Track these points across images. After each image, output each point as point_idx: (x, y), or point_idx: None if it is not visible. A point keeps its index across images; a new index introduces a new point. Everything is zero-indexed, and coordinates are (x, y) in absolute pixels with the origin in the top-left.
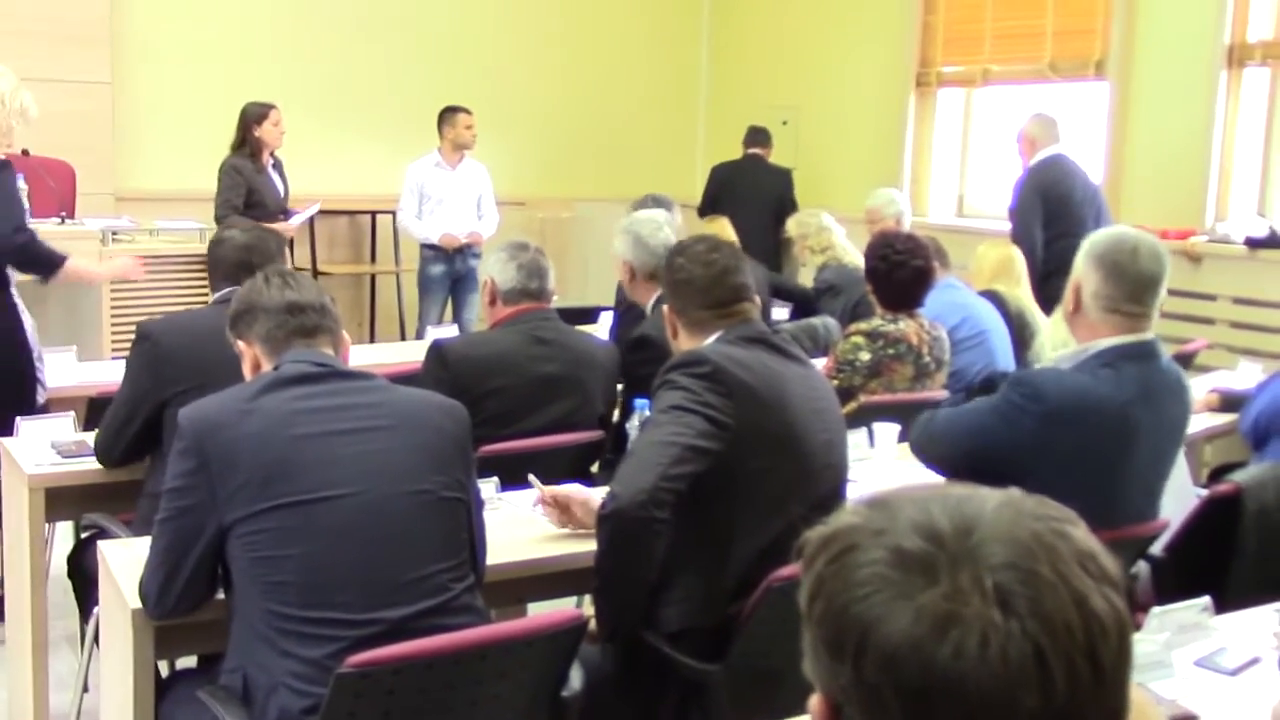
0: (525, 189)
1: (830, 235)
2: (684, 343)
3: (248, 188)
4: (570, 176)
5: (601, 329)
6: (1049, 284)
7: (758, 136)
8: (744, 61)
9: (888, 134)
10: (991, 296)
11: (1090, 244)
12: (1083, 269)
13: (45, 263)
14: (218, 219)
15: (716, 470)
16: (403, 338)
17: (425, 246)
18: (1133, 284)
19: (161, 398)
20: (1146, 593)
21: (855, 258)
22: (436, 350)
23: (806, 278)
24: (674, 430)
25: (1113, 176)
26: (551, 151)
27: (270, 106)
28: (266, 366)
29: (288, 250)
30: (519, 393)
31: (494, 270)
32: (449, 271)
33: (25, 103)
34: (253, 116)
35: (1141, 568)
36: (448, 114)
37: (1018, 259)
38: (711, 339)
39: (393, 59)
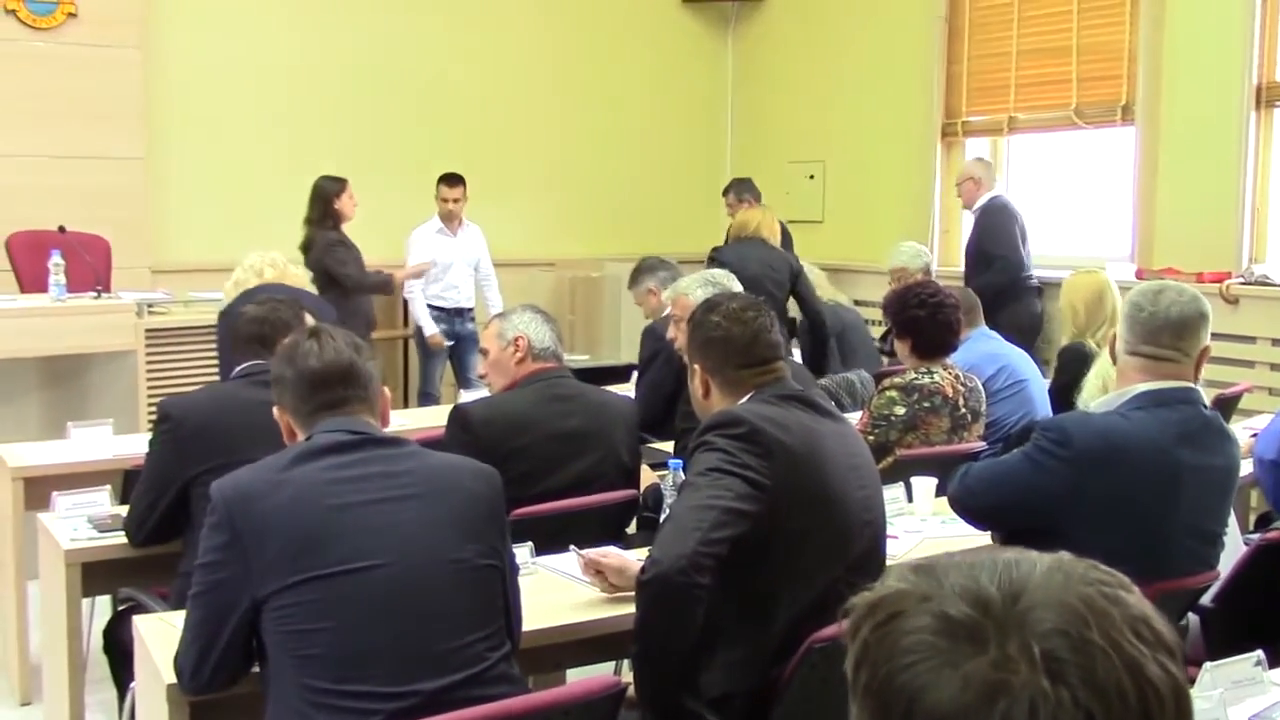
0: (554, 250)
1: (810, 275)
2: (717, 402)
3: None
4: (598, 236)
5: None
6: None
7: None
8: (769, 117)
9: (915, 185)
10: (1075, 355)
11: (1129, 297)
12: (1120, 324)
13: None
14: (351, 290)
15: (755, 532)
16: (407, 402)
17: (428, 307)
18: (1147, 324)
19: (185, 478)
20: (1197, 645)
21: (838, 295)
22: (458, 414)
23: None
24: (712, 493)
25: (1143, 221)
26: (579, 212)
27: (344, 180)
28: (300, 435)
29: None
30: (543, 450)
31: (528, 329)
32: (449, 332)
33: None
34: (331, 191)
35: (1191, 619)
36: (437, 183)
37: (1114, 287)
38: (745, 399)
39: (419, 123)
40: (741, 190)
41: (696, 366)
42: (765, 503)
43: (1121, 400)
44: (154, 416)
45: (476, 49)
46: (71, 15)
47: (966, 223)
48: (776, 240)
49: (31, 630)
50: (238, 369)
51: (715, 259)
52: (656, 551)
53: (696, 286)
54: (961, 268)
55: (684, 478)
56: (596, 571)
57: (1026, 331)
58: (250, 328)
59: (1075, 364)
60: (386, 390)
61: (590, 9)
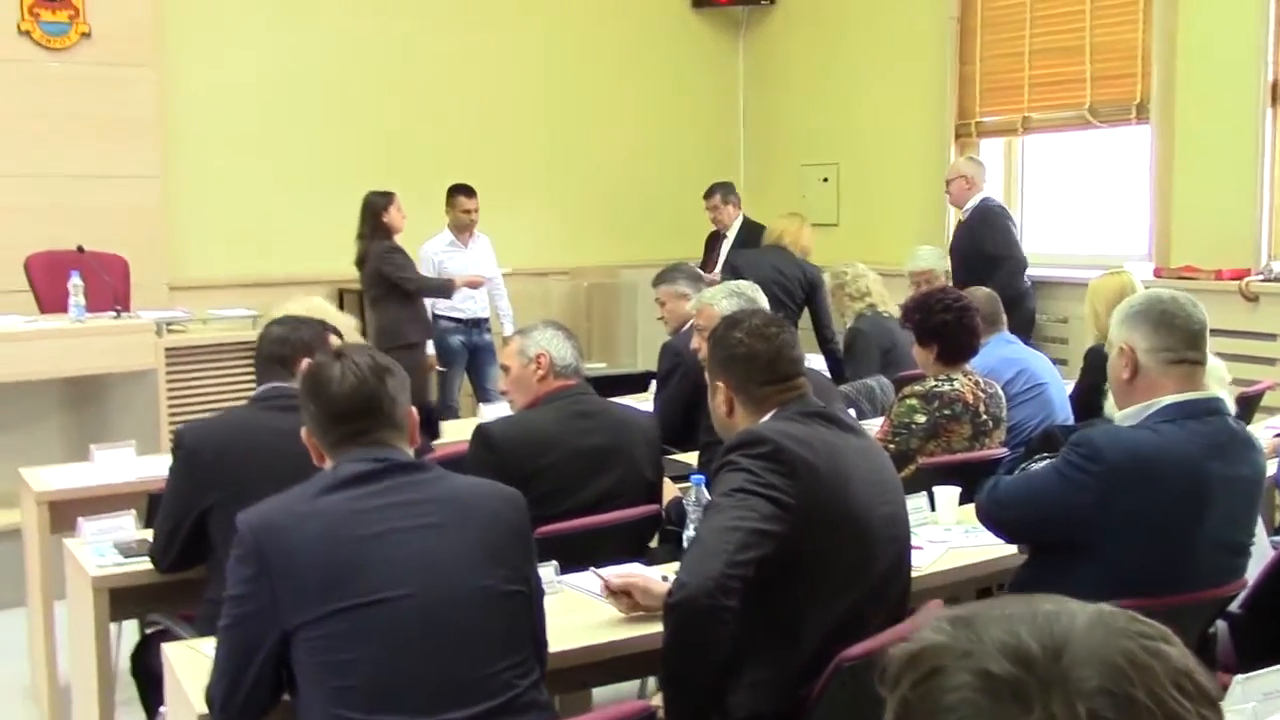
0: (569, 258)
1: (867, 282)
2: (741, 420)
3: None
4: (613, 243)
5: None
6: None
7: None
8: (781, 120)
9: (930, 187)
10: (1099, 356)
11: (1131, 307)
12: (1125, 332)
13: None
14: (414, 293)
15: (781, 551)
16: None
17: (443, 318)
18: (1185, 329)
19: (202, 506)
20: (1227, 653)
21: (891, 306)
22: (481, 434)
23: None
24: (738, 514)
25: (1160, 220)
26: (593, 219)
27: (392, 194)
28: (327, 461)
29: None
30: (567, 468)
31: (549, 345)
32: (467, 343)
33: None
34: (380, 205)
35: (1220, 627)
36: (450, 194)
37: (1137, 288)
38: (768, 416)
39: (431, 135)
40: (727, 192)
41: (720, 384)
42: (790, 522)
43: (1148, 413)
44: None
45: (486, 59)
46: (85, 35)
47: None
48: (802, 251)
49: (59, 650)
50: (258, 390)
51: (730, 263)
52: (683, 574)
53: (722, 297)
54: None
55: (708, 496)
56: (620, 593)
57: (1023, 332)
58: (271, 348)
59: (1101, 366)
60: (414, 411)
61: (601, 16)
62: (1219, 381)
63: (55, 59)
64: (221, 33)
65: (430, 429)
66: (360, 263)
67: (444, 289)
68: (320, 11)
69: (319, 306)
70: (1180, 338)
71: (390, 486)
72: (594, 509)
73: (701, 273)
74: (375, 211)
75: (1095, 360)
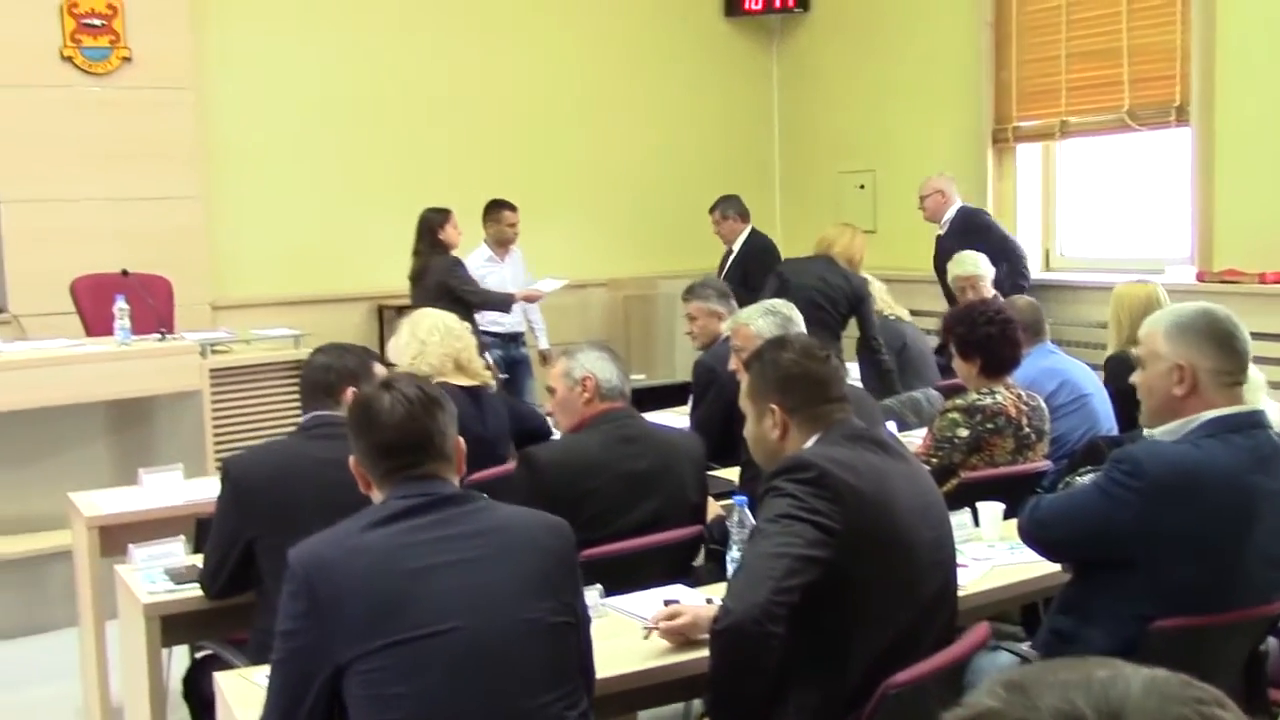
0: (607, 269)
1: (870, 287)
2: (793, 443)
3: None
4: (651, 254)
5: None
6: None
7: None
8: (816, 128)
9: (967, 192)
10: (1121, 363)
11: (1186, 324)
12: (1184, 351)
13: (503, 305)
14: (476, 306)
15: (827, 577)
16: None
17: (483, 333)
18: (1244, 353)
19: (248, 536)
20: (1277, 668)
21: (898, 310)
22: (528, 459)
23: None
24: (784, 540)
25: (1202, 223)
26: (631, 230)
27: (448, 211)
28: (375, 492)
29: None
30: (611, 492)
31: (594, 368)
32: (504, 358)
33: None
34: (436, 222)
35: (1271, 644)
36: (493, 209)
37: (1163, 299)
38: (813, 439)
39: (470, 150)
40: (727, 207)
41: (773, 405)
42: (836, 548)
43: (1188, 428)
44: (221, 459)
45: (521, 74)
46: (126, 60)
47: (1025, 228)
48: (849, 262)
49: (111, 670)
50: (304, 419)
51: (778, 272)
52: (729, 601)
53: (758, 316)
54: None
55: (751, 518)
56: (665, 628)
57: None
58: (316, 375)
59: (1125, 373)
60: (461, 441)
61: (635, 27)
62: (1258, 388)
63: (97, 84)
64: (259, 54)
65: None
66: (416, 277)
67: (505, 303)
68: (355, 30)
69: (447, 325)
70: (1240, 361)
71: (438, 520)
72: (639, 532)
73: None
74: (432, 228)
75: (1116, 367)
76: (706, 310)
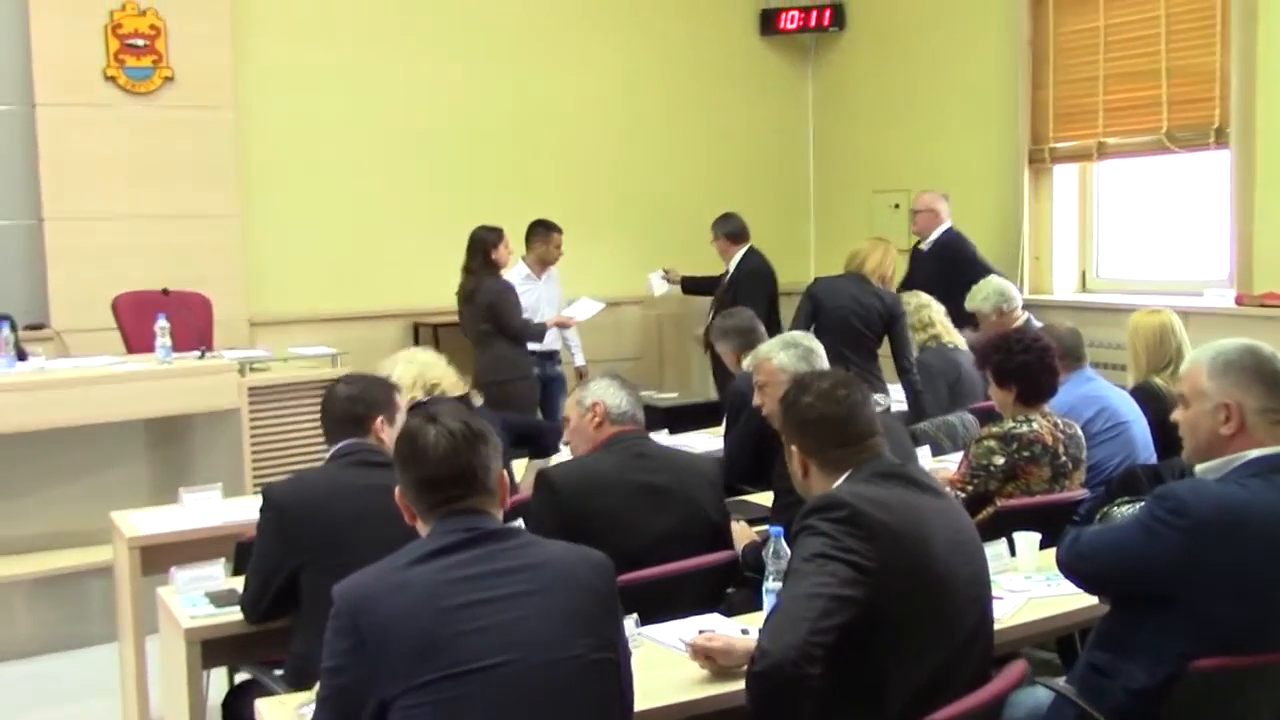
0: (641, 287)
1: (931, 312)
2: (817, 484)
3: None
4: (684, 272)
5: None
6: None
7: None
8: (851, 147)
9: (1004, 213)
10: (1146, 394)
11: (1232, 361)
12: (1230, 389)
13: (538, 336)
14: (512, 336)
15: (863, 616)
16: None
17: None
18: None
19: (293, 565)
20: None
21: (955, 338)
22: (543, 478)
23: None
24: (818, 580)
25: (1241, 245)
26: (664, 248)
27: (500, 230)
28: (420, 525)
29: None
30: (627, 505)
31: (604, 395)
32: (541, 375)
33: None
34: (489, 241)
35: None
36: (541, 230)
37: (1178, 327)
38: (843, 478)
39: (508, 169)
40: (717, 228)
41: (794, 448)
42: (871, 586)
43: (1231, 467)
44: (259, 477)
45: (557, 93)
46: (169, 79)
47: (1063, 248)
48: (881, 279)
49: (151, 686)
50: (336, 448)
51: (812, 293)
52: (766, 642)
53: (778, 350)
54: (1055, 295)
55: (786, 549)
56: (705, 655)
57: None
58: (344, 407)
59: (1149, 402)
60: (505, 475)
61: (670, 46)
62: None
63: (139, 103)
64: (298, 73)
65: (545, 449)
66: (468, 296)
67: (539, 334)
68: (393, 51)
69: (428, 361)
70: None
71: (481, 555)
72: (658, 548)
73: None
74: (484, 248)
75: (1140, 398)
76: (727, 350)
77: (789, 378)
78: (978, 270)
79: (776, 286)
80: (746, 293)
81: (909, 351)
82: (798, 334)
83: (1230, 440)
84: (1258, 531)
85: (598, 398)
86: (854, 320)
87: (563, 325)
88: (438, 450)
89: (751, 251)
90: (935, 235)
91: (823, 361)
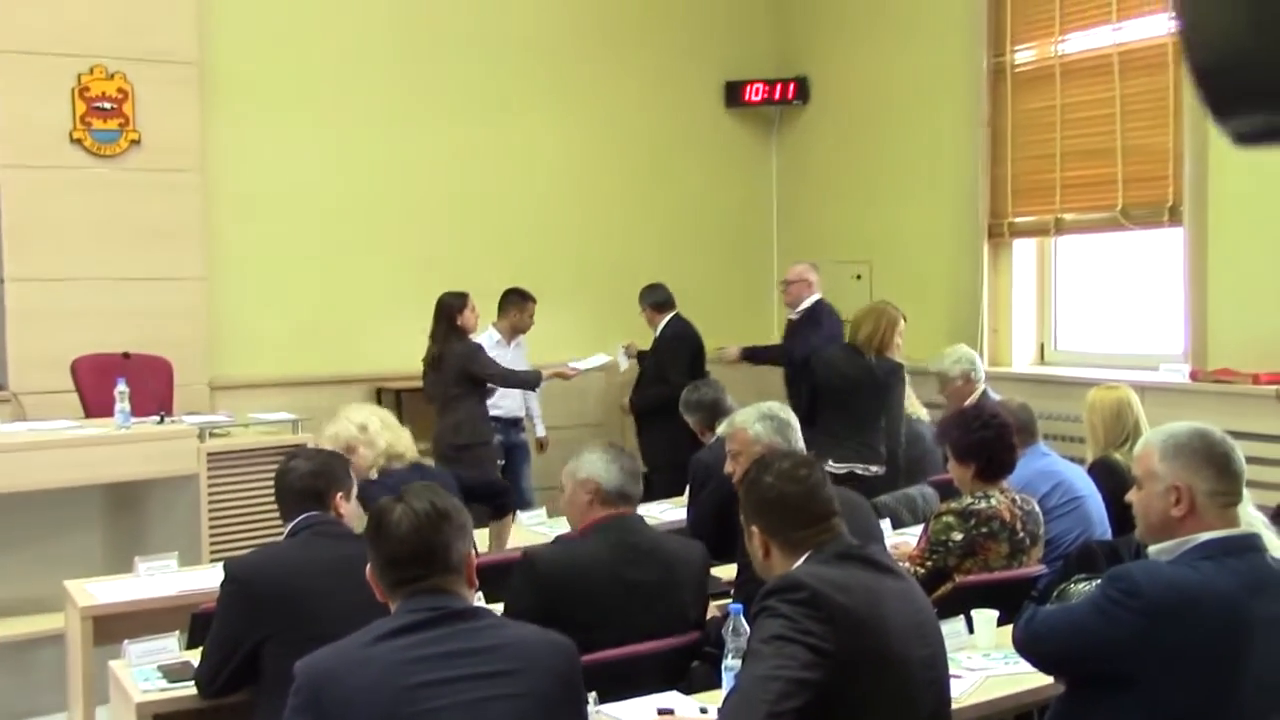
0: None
1: None
2: (778, 564)
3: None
4: (646, 340)
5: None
6: None
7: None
8: (814, 218)
9: (964, 285)
10: (1105, 469)
11: (1183, 444)
12: (1181, 472)
13: (530, 383)
14: (502, 383)
15: (820, 698)
16: None
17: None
18: (1239, 474)
19: (255, 639)
20: None
21: (918, 408)
22: (528, 560)
23: None
24: (776, 663)
25: (1195, 322)
26: (627, 316)
27: (465, 295)
28: (390, 603)
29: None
30: (612, 604)
31: (596, 470)
32: (505, 442)
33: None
34: (455, 306)
35: None
36: (516, 298)
37: (1135, 403)
38: (803, 559)
39: (473, 237)
40: (641, 298)
41: (755, 529)
42: (829, 669)
43: (1183, 549)
44: (216, 545)
45: (526, 160)
46: (135, 142)
47: (1021, 322)
48: (883, 348)
49: None
50: (297, 521)
51: (813, 365)
52: None
53: (754, 420)
54: (1013, 367)
55: (746, 626)
56: None
57: None
58: (305, 483)
59: (1107, 478)
60: (473, 553)
61: (637, 116)
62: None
63: (106, 165)
64: (265, 137)
65: (502, 508)
66: (434, 362)
67: (534, 381)
68: (359, 119)
69: (380, 414)
70: (1236, 483)
71: (444, 634)
72: (634, 641)
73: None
74: (450, 312)
75: (1099, 473)
76: (694, 421)
77: (763, 448)
78: (819, 339)
79: (701, 349)
80: (667, 357)
81: (893, 422)
82: (775, 405)
83: (1181, 522)
84: (1208, 613)
85: (591, 474)
86: (849, 392)
87: (564, 376)
88: (400, 529)
89: (675, 318)
90: (805, 304)
91: (797, 435)
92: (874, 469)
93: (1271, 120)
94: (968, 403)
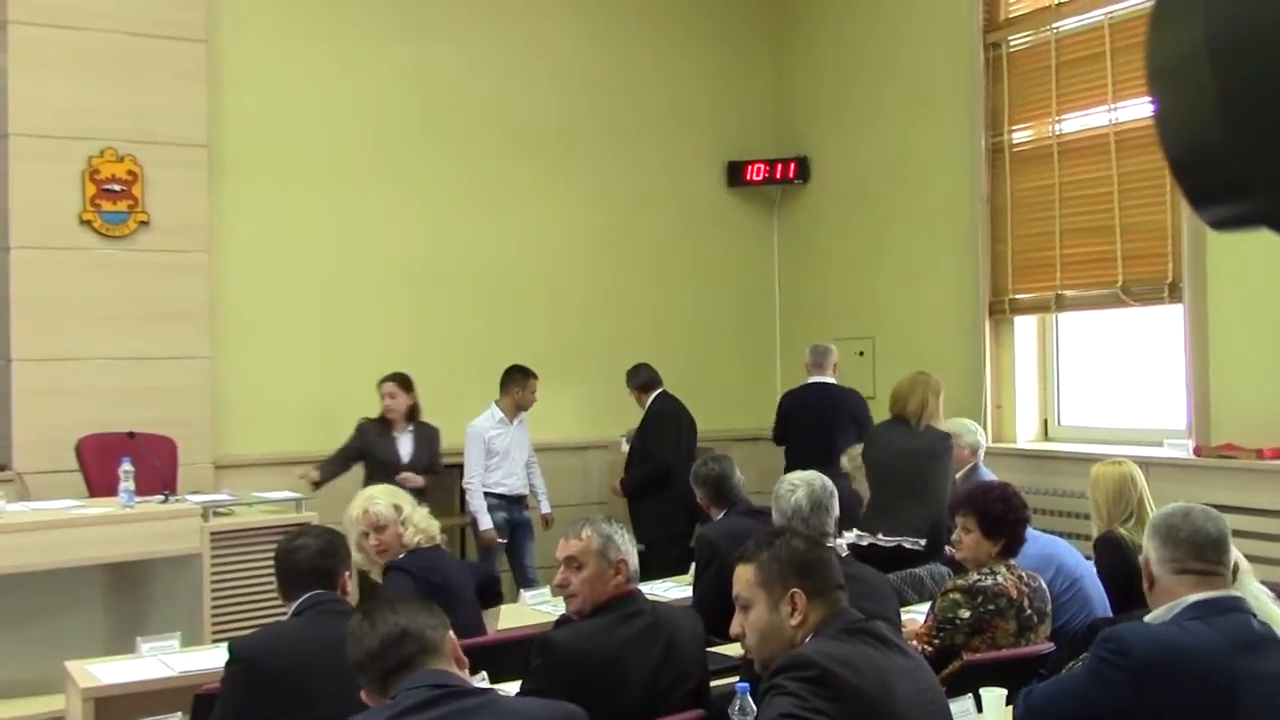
0: (609, 430)
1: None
2: (802, 627)
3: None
4: None
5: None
6: None
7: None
8: (816, 295)
9: (966, 361)
10: (1109, 545)
11: (1152, 524)
12: (1145, 544)
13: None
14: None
15: None
16: None
17: (488, 494)
18: (1189, 541)
19: (261, 718)
20: None
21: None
22: (548, 644)
23: None
24: None
25: (1198, 398)
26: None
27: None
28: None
29: None
30: (630, 692)
31: (629, 553)
32: (508, 520)
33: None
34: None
35: None
36: (519, 375)
37: (1138, 478)
38: (811, 635)
39: (477, 314)
40: (630, 381)
41: (795, 590)
42: None
43: (1173, 612)
44: (218, 625)
45: (530, 239)
46: (143, 224)
47: (1024, 398)
48: (928, 418)
49: None
50: (304, 599)
51: (865, 442)
52: None
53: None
54: (1017, 443)
55: (753, 706)
56: None
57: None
58: (314, 562)
59: (1112, 553)
60: (452, 634)
61: (641, 195)
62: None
63: (114, 247)
64: (272, 218)
65: (491, 597)
66: None
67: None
68: (365, 199)
69: (399, 494)
70: (1186, 550)
71: (447, 714)
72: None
73: None
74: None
75: (1103, 548)
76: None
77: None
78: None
79: (690, 424)
80: (653, 434)
81: (943, 494)
82: (814, 478)
83: (1152, 593)
84: (1195, 670)
85: (624, 555)
86: (899, 467)
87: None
88: (373, 621)
89: (660, 396)
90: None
91: (832, 509)
92: (922, 542)
93: (1243, 210)
94: (959, 474)
